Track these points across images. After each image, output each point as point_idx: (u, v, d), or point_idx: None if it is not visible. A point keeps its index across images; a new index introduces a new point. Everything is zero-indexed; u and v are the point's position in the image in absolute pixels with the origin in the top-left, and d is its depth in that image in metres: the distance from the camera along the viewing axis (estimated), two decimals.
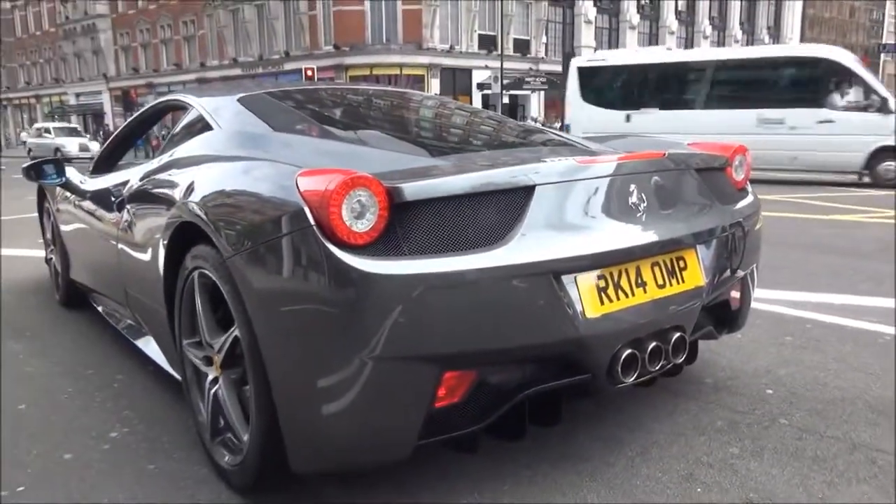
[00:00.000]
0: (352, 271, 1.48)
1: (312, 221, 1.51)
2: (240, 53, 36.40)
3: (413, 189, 1.58)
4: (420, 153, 2.13)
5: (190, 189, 2.01)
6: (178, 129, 2.83)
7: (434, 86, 30.87)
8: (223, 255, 1.73)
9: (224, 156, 2.15)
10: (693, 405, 2.42)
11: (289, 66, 32.73)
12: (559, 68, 26.07)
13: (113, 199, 2.87)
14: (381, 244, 1.53)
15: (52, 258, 4.12)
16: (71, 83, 48.13)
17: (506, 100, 30.84)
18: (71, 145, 26.58)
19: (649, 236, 1.88)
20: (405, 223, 1.57)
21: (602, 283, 1.77)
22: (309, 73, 28.87)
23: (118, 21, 43.89)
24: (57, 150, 25.38)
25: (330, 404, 1.57)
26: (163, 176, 2.39)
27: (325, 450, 1.66)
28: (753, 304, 2.60)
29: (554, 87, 29.46)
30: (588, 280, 1.74)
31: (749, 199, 2.39)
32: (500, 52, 28.23)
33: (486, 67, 31.68)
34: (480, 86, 32.48)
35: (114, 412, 2.49)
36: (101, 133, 40.46)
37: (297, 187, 1.57)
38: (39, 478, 2.03)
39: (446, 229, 1.60)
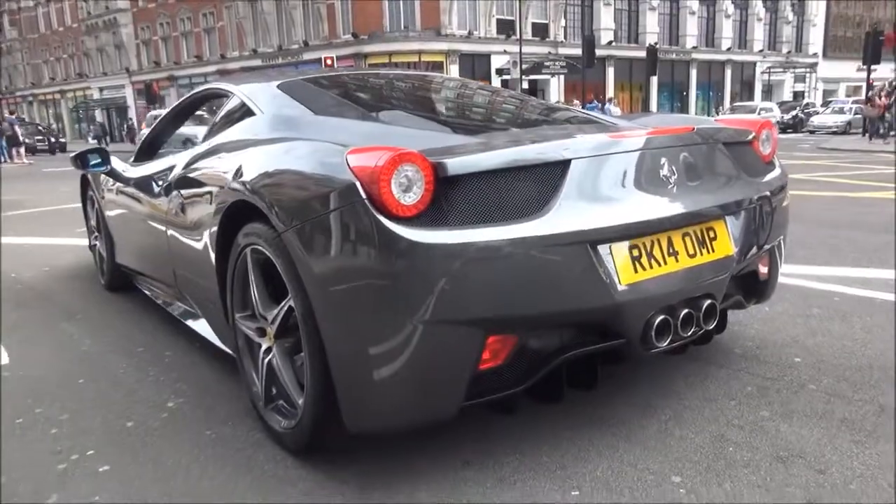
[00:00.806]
0: (401, 241, 1.58)
1: (364, 195, 1.61)
2: (259, 44, 36.60)
3: (456, 164, 1.67)
4: (457, 131, 2.22)
5: (239, 171, 2.12)
6: (219, 116, 2.95)
7: (453, 72, 30.81)
8: (277, 231, 1.84)
9: (269, 138, 2.26)
10: (723, 373, 2.50)
11: (308, 56, 32.86)
12: (579, 52, 25.89)
13: (158, 184, 3.00)
14: (428, 216, 1.62)
15: (96, 244, 4.28)
16: (94, 78, 48.75)
17: (525, 85, 30.73)
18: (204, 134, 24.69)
19: (680, 207, 1.95)
20: (450, 196, 1.66)
21: (636, 253, 1.86)
22: (328, 62, 29.01)
23: (139, 15, 44.31)
24: (187, 140, 21.68)
25: (382, 368, 1.67)
26: (210, 160, 2.50)
27: (377, 411, 1.77)
28: (781, 278, 2.66)
29: (574, 72, 29.28)
30: (622, 249, 1.83)
31: (776, 172, 2.45)
32: (518, 36, 28.10)
33: (505, 52, 31.54)
34: (499, 71, 32.36)
35: (167, 385, 2.63)
36: (125, 126, 41.06)
37: (348, 164, 1.67)
38: (106, 443, 2.17)
39: (488, 201, 1.69)
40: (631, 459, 1.92)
